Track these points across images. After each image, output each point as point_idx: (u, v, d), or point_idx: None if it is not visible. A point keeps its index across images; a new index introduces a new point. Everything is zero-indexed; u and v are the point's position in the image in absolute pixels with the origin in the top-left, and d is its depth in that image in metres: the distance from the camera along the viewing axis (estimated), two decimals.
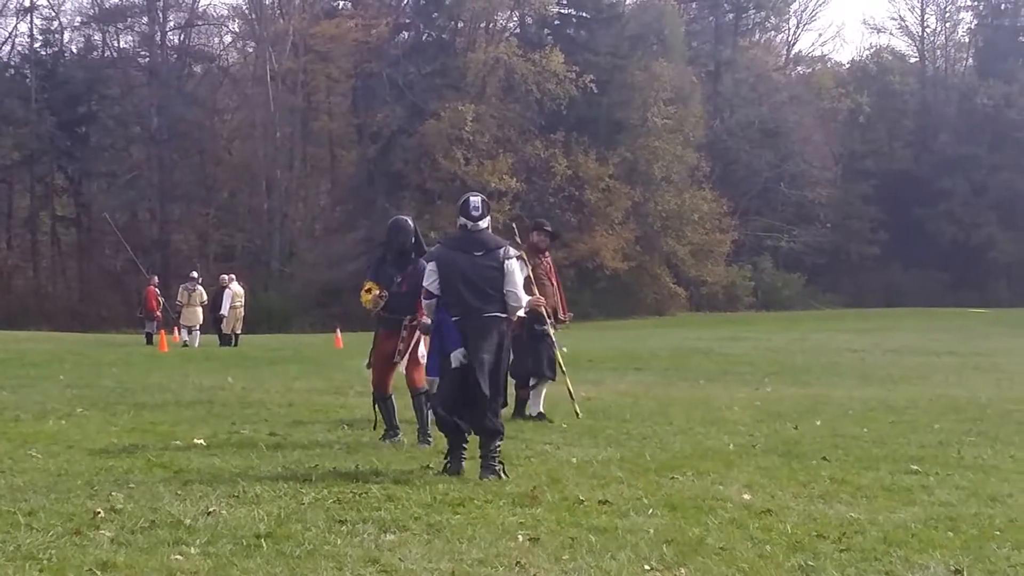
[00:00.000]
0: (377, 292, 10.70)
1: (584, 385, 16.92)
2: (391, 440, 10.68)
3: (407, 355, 10.80)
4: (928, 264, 75.15)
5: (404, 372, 10.91)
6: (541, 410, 12.78)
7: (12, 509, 7.16)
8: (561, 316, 13.32)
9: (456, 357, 8.92)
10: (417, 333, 10.72)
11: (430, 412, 10.27)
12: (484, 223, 9.17)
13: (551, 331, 12.79)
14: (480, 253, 9.02)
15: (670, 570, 6.04)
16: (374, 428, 11.02)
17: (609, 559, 6.19)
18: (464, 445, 9.05)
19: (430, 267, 9.20)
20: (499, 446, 8.93)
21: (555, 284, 13.27)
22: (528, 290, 11.80)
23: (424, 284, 9.20)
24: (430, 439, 10.50)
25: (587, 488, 8.25)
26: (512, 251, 9.23)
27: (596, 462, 9.56)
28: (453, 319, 8.95)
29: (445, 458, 9.07)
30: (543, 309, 12.60)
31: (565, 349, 13.44)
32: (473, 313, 8.90)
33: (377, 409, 10.95)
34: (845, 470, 9.27)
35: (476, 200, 9.27)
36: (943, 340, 33.59)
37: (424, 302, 9.29)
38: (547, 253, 13.43)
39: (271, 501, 7.60)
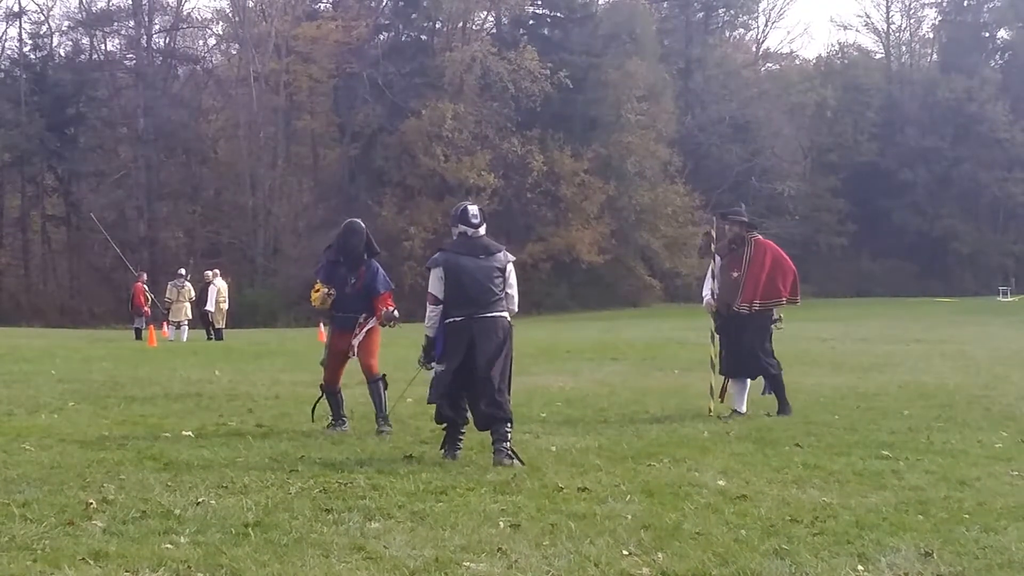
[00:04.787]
0: (325, 290, 11.00)
1: (562, 375, 17.33)
2: (338, 430, 10.89)
3: (358, 346, 11.02)
4: (895, 254, 76.63)
5: (359, 361, 11.11)
6: (736, 408, 12.35)
7: (6, 501, 7.17)
8: (736, 307, 12.34)
9: (437, 369, 9.39)
10: (369, 324, 11.05)
11: (387, 395, 10.93)
12: (483, 229, 9.48)
13: (713, 323, 12.52)
14: (483, 256, 9.35)
15: (648, 555, 6.08)
16: (312, 421, 11.28)
17: (588, 544, 6.26)
18: (460, 436, 9.38)
19: (437, 273, 9.35)
20: (507, 431, 9.09)
21: (740, 274, 12.30)
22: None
23: (430, 291, 9.40)
24: (389, 425, 10.74)
25: (566, 476, 8.34)
26: (510, 255, 9.55)
27: (575, 450, 9.63)
28: (458, 319, 9.24)
29: (442, 447, 9.38)
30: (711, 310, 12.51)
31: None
32: (478, 312, 9.19)
33: (325, 402, 11.27)
34: (817, 456, 9.33)
35: (474, 208, 9.57)
36: (911, 328, 33.75)
37: (429, 307, 9.41)
38: (747, 241, 12.44)
39: (259, 491, 7.66)
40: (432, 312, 9.42)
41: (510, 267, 9.51)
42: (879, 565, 5.98)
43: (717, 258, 12.49)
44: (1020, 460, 9.38)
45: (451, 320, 9.32)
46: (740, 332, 12.36)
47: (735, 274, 12.32)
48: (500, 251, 9.50)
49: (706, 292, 12.70)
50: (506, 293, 9.42)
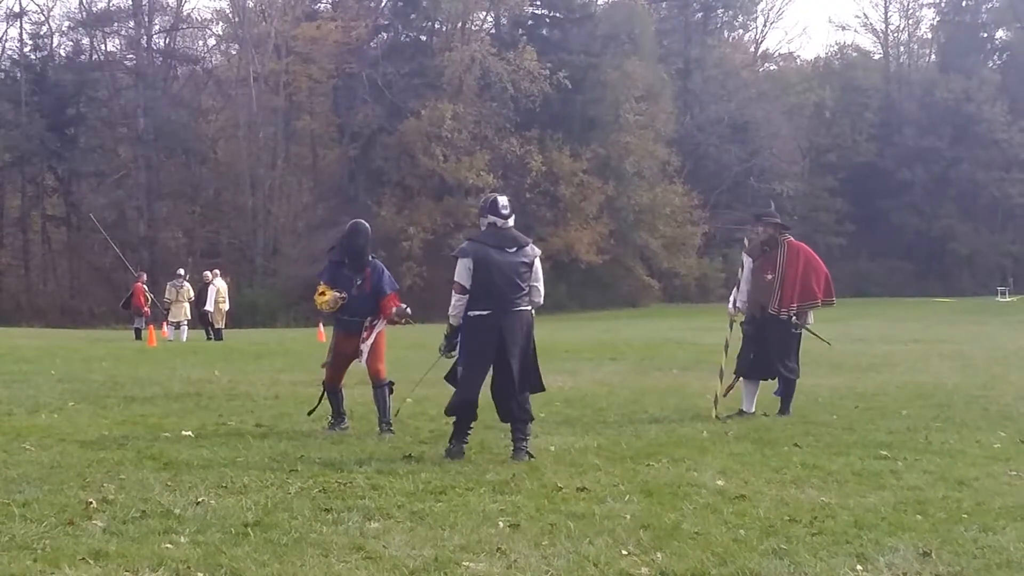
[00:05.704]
0: (336, 294, 10.80)
1: (561, 375, 17.17)
2: (338, 429, 10.90)
3: (368, 351, 10.91)
4: (893, 254, 76.93)
5: (366, 366, 10.99)
6: (743, 407, 12.37)
7: (7, 500, 7.18)
8: (771, 310, 12.24)
9: (460, 370, 9.34)
10: (377, 328, 10.92)
11: (392, 402, 10.86)
12: (511, 221, 9.38)
13: (729, 330, 12.62)
14: (512, 249, 9.26)
15: (647, 554, 6.09)
16: (309, 414, 11.44)
17: (587, 544, 6.27)
18: (468, 433, 9.36)
19: (465, 263, 9.20)
20: (529, 431, 9.31)
21: (774, 276, 12.19)
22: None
23: (457, 279, 9.25)
24: (392, 431, 10.63)
25: (565, 475, 8.37)
26: (536, 249, 9.51)
27: (574, 450, 9.65)
28: (484, 313, 9.16)
29: (449, 442, 9.35)
30: (732, 311, 12.60)
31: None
32: (506, 307, 9.15)
33: (325, 401, 11.24)
34: (816, 456, 9.35)
35: (504, 199, 9.44)
36: (909, 328, 33.83)
37: (456, 296, 9.28)
38: (780, 243, 12.34)
39: (258, 491, 7.68)
40: (458, 301, 9.31)
41: (537, 261, 9.46)
42: (878, 565, 6.00)
43: (748, 261, 12.46)
44: (1018, 460, 9.40)
45: (476, 314, 9.23)
46: (770, 335, 12.31)
47: (769, 276, 12.23)
48: (528, 244, 9.43)
49: (731, 302, 12.76)
50: (532, 287, 9.38)
